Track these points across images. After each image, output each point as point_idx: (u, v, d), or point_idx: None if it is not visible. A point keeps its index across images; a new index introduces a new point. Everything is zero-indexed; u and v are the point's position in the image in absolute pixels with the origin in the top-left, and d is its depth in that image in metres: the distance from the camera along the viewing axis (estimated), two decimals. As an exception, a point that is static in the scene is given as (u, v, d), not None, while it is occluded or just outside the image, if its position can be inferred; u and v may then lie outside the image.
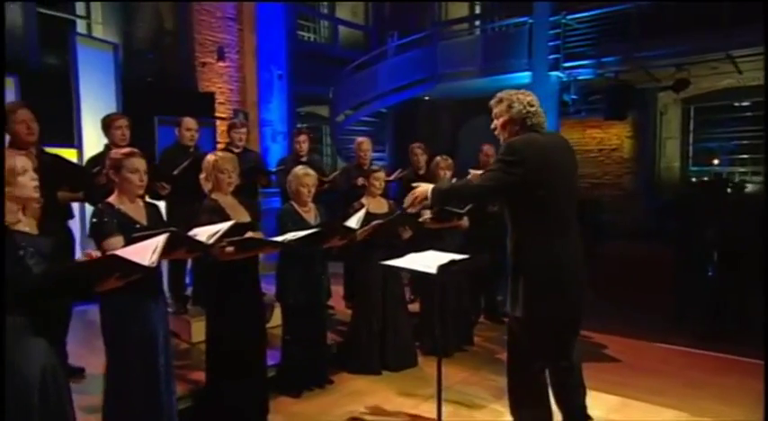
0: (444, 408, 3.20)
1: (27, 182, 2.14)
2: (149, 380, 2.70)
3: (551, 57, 8.41)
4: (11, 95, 4.83)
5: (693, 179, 9.58)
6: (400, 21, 11.23)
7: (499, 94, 2.66)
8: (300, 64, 9.65)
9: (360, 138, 5.20)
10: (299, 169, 3.66)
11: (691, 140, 9.75)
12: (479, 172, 2.74)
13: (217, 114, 8.24)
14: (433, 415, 3.16)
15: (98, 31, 7.94)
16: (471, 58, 9.17)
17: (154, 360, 2.72)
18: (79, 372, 3.42)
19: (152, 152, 5.03)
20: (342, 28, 11.73)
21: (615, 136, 9.82)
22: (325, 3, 11.54)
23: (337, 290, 5.08)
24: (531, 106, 2.57)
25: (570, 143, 2.85)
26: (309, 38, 11.41)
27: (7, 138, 3.19)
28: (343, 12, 11.78)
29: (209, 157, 3.20)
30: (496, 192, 2.66)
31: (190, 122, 4.30)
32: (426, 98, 10.45)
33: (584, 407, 2.58)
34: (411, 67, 9.70)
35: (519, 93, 2.62)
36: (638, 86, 8.55)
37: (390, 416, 3.32)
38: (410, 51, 9.90)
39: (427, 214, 4.14)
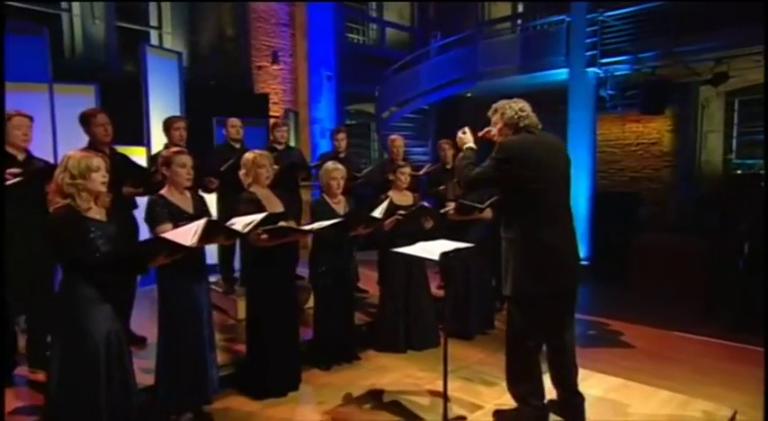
0: (458, 384, 3.42)
1: (98, 178, 2.49)
2: (194, 348, 3.05)
3: (588, 53, 8.30)
4: (91, 101, 5.33)
5: (739, 171, 9.23)
6: (444, 22, 11.31)
7: (494, 106, 2.88)
8: (349, 65, 9.93)
9: (393, 136, 5.41)
10: (329, 164, 3.93)
11: (735, 133, 9.36)
12: None
13: (271, 114, 8.64)
14: (451, 390, 3.39)
15: (168, 40, 8.51)
16: (510, 56, 9.16)
17: (199, 331, 3.07)
18: (142, 341, 3.82)
19: (209, 150, 5.44)
20: (389, 29, 11.93)
21: (655, 130, 9.55)
22: (374, 5, 11.75)
23: (372, 275, 5.35)
24: (523, 111, 2.76)
25: (561, 141, 3.00)
26: (358, 40, 11.67)
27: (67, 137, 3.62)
28: (390, 14, 11.97)
29: (248, 155, 3.50)
30: (485, 184, 2.99)
31: (234, 122, 4.65)
32: (468, 95, 10.50)
33: (574, 385, 2.70)
34: (452, 66, 9.80)
35: (511, 101, 2.81)
36: (676, 81, 8.30)
37: (409, 388, 3.54)
38: (452, 51, 9.99)
39: (450, 207, 4.34)
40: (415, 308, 4.17)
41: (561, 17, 8.72)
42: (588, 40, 8.30)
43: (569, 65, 8.49)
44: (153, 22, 8.56)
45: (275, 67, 9.16)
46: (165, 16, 8.58)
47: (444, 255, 2.71)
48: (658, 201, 9.32)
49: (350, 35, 11.37)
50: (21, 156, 3.23)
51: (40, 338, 3.32)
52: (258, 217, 2.94)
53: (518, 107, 2.76)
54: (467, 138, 2.97)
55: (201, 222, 2.50)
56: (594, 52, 8.25)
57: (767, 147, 7.57)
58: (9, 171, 2.96)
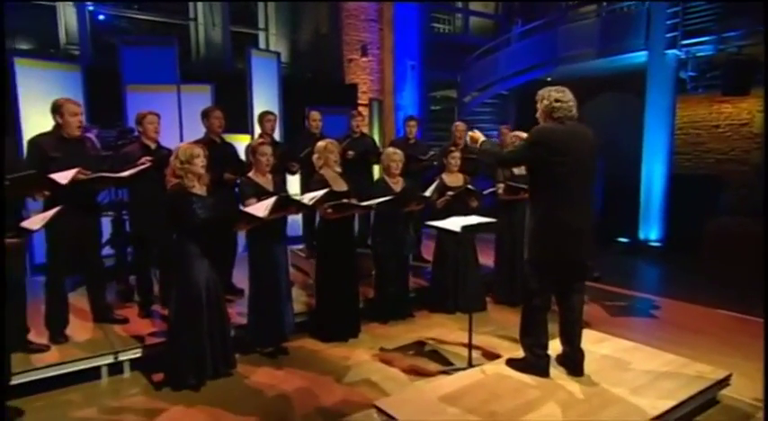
0: (491, 341, 3.80)
1: (199, 163, 3.18)
2: (274, 298, 3.71)
3: (669, 35, 7.92)
4: (207, 98, 6.23)
5: None
6: (527, 8, 11.15)
7: (539, 92, 3.05)
8: (434, 53, 10.25)
9: (456, 123, 5.73)
10: (390, 149, 4.41)
11: (840, 113, 8.42)
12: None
13: (359, 102, 9.25)
14: (483, 344, 3.79)
15: (272, 41, 9.38)
16: (589, 40, 8.93)
17: (278, 284, 3.73)
18: (240, 292, 4.58)
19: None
20: (473, 17, 12.00)
21: (745, 110, 8.82)
22: (460, -2, 11.88)
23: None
24: (557, 102, 2.94)
25: (591, 133, 3.17)
26: (444, 29, 11.87)
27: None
28: (475, 3, 12.01)
29: (320, 143, 4.06)
30: (514, 163, 3.38)
31: (315, 115, 5.25)
32: (548, 79, 10.36)
33: (577, 342, 2.99)
34: (532, 52, 9.75)
35: (552, 90, 2.99)
36: (762, 60, 7.67)
37: (448, 342, 3.97)
38: (532, 36, 9.91)
39: (501, 188, 4.64)
40: (464, 276, 4.55)
41: (642, -1, 8.36)
42: (669, 22, 7.92)
43: (648, 47, 8.15)
44: (261, 24, 9.45)
45: (364, 59, 9.71)
46: (271, 19, 9.43)
47: (465, 228, 3.09)
48: (746, 183, 8.70)
49: (436, 25, 11.62)
50: (153, 146, 4.05)
51: (167, 283, 4.19)
52: (320, 193, 3.52)
53: (554, 97, 2.94)
54: (477, 134, 3.21)
55: (272, 199, 3.12)
56: (675, 34, 7.86)
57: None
58: (144, 158, 3.77)
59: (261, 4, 9.34)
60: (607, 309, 4.78)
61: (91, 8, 7.50)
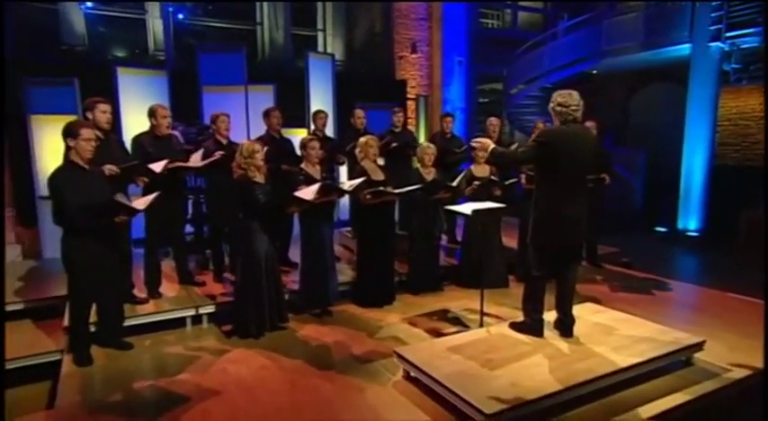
0: (504, 311, 4.31)
1: (259, 157, 3.90)
2: (322, 269, 4.40)
3: (713, 27, 7.91)
4: (270, 97, 7.02)
5: None
6: (575, 2, 11.22)
7: (553, 94, 3.49)
8: (483, 48, 10.62)
9: (490, 118, 6.18)
10: (424, 143, 4.98)
11: None
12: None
13: (408, 96, 9.81)
14: (500, 314, 4.31)
15: (329, 41, 10.08)
16: (634, 33, 9.02)
17: (324, 257, 4.41)
18: (295, 265, 5.31)
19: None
20: (521, 12, 12.18)
21: (796, 101, 8.63)
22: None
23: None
24: (564, 106, 3.36)
25: (591, 134, 3.61)
26: (493, 24, 12.14)
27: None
28: (524, -2, 12.21)
29: (362, 139, 4.69)
30: (526, 161, 3.72)
31: (359, 113, 5.88)
32: (594, 72, 10.46)
33: (569, 310, 3.47)
34: (577, 46, 9.91)
35: (562, 95, 3.40)
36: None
37: (468, 310, 4.51)
38: (578, 31, 10.05)
39: (523, 178, 5.10)
40: (489, 255, 5.06)
41: (687, -8, 8.35)
42: (713, 14, 7.90)
43: (692, 39, 8.18)
44: (319, 25, 10.18)
45: (414, 56, 10.24)
46: (328, 20, 10.13)
47: (475, 212, 3.64)
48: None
49: (485, 20, 11.92)
50: (224, 142, 4.83)
51: (235, 255, 4.99)
52: (358, 181, 4.16)
53: (558, 102, 3.38)
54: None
55: (317, 185, 3.80)
56: (720, 26, 7.86)
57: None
58: (217, 152, 4.54)
59: (319, 7, 10.05)
60: (623, 289, 5.12)
61: (171, 10, 8.45)
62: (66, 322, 3.70)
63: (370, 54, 10.20)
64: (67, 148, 3.43)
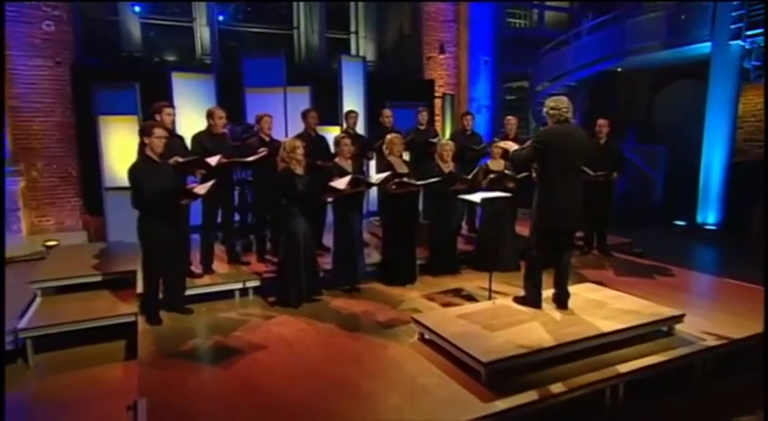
0: (515, 290, 4.82)
1: (299, 152, 4.56)
2: (351, 249, 5.04)
3: (733, 26, 8.16)
4: (306, 98, 7.71)
5: None
6: (601, 2, 11.51)
7: (546, 100, 4.07)
8: (510, 47, 11.06)
9: (508, 117, 6.69)
10: (442, 140, 5.55)
11: None
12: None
13: (435, 95, 10.36)
14: (509, 292, 4.84)
15: (362, 43, 10.70)
16: (656, 32, 9.30)
17: (353, 240, 5.05)
18: (327, 250, 5.97)
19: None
20: (548, 11, 12.54)
21: (819, 98, 8.76)
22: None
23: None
24: (555, 109, 3.93)
25: (583, 133, 4.14)
26: (520, 24, 12.54)
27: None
28: (551, -3, 12.54)
29: (388, 136, 5.30)
30: (529, 160, 4.21)
31: (386, 112, 6.49)
32: (619, 70, 10.76)
33: (565, 286, 4.00)
34: (600, 45, 10.24)
35: (554, 100, 3.97)
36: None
37: (483, 289, 5.06)
38: (602, 30, 10.38)
39: (534, 173, 5.60)
40: (503, 242, 5.61)
41: (708, -9, 8.60)
42: (734, 14, 8.15)
43: (713, 38, 8.44)
44: (352, 28, 10.82)
45: (441, 56, 10.77)
46: (360, 23, 10.76)
47: (485, 200, 4.21)
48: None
49: (512, 20, 12.33)
50: (267, 139, 5.52)
51: (276, 238, 5.69)
52: (384, 175, 4.78)
53: (550, 105, 3.95)
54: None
55: (348, 177, 4.44)
56: (740, 25, 8.10)
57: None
58: (260, 149, 5.23)
59: (352, 11, 10.69)
60: (626, 274, 5.55)
61: (221, 18, 9.24)
62: (139, 290, 4.47)
63: (400, 55, 10.78)
64: (142, 145, 4.15)
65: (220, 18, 9.32)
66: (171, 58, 9.25)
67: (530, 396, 3.02)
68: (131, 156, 4.25)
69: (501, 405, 2.93)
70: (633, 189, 9.93)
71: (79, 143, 7.91)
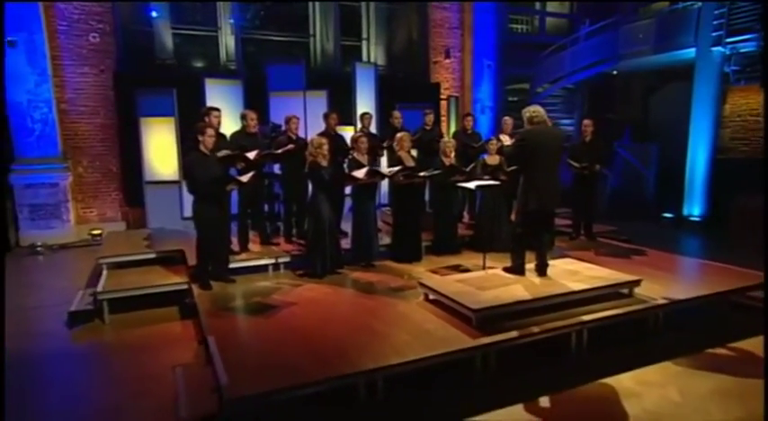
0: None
1: (324, 148, 5.54)
2: (367, 233, 6.02)
3: (715, 33, 9.05)
4: (323, 101, 8.71)
5: None
6: (601, 8, 12.42)
7: (523, 110, 5.01)
8: (512, 52, 12.00)
9: (504, 117, 7.64)
10: (445, 138, 6.51)
11: None
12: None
13: (441, 97, 11.32)
14: (497, 266, 5.78)
15: (373, 50, 11.69)
16: (646, 38, 10.20)
17: (368, 224, 6.02)
18: (346, 234, 6.95)
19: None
20: (548, 17, 13.46)
21: (798, 99, 9.61)
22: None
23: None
24: (534, 116, 4.89)
25: (560, 132, 5.08)
26: (522, 29, 13.47)
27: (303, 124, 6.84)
28: (552, 2, 13.45)
29: (398, 135, 6.28)
30: (515, 156, 5.15)
31: (396, 113, 7.45)
32: (614, 73, 11.66)
33: (544, 258, 4.94)
34: (596, 49, 11.16)
35: (530, 110, 4.91)
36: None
37: (479, 265, 5.99)
38: (598, 35, 11.29)
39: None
40: (498, 226, 6.54)
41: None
42: (715, 22, 9.04)
43: (697, 44, 9.33)
44: (364, 35, 11.81)
45: (447, 61, 11.74)
46: (371, 31, 11.74)
47: (479, 187, 5.18)
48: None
49: (514, 26, 13.27)
50: (294, 137, 6.51)
51: (302, 224, 6.69)
52: (395, 169, 5.76)
53: (531, 111, 4.92)
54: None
55: (365, 169, 5.43)
56: (721, 32, 8.99)
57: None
58: (288, 146, 6.22)
59: (363, 20, 11.67)
60: (605, 254, 6.44)
61: (242, 24, 10.28)
62: (191, 262, 5.48)
63: (408, 60, 11.77)
64: (196, 141, 5.14)
65: (234, 23, 10.35)
66: (199, 65, 10.28)
67: (509, 335, 3.97)
68: (170, 153, 5.26)
69: (485, 340, 3.87)
70: (626, 185, 10.84)
71: (120, 142, 8.97)
